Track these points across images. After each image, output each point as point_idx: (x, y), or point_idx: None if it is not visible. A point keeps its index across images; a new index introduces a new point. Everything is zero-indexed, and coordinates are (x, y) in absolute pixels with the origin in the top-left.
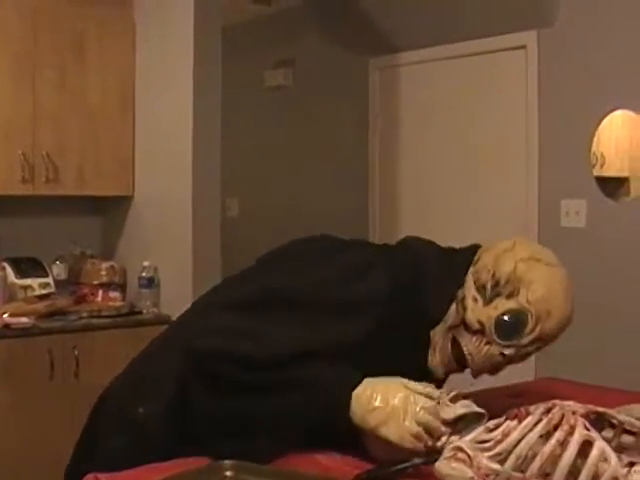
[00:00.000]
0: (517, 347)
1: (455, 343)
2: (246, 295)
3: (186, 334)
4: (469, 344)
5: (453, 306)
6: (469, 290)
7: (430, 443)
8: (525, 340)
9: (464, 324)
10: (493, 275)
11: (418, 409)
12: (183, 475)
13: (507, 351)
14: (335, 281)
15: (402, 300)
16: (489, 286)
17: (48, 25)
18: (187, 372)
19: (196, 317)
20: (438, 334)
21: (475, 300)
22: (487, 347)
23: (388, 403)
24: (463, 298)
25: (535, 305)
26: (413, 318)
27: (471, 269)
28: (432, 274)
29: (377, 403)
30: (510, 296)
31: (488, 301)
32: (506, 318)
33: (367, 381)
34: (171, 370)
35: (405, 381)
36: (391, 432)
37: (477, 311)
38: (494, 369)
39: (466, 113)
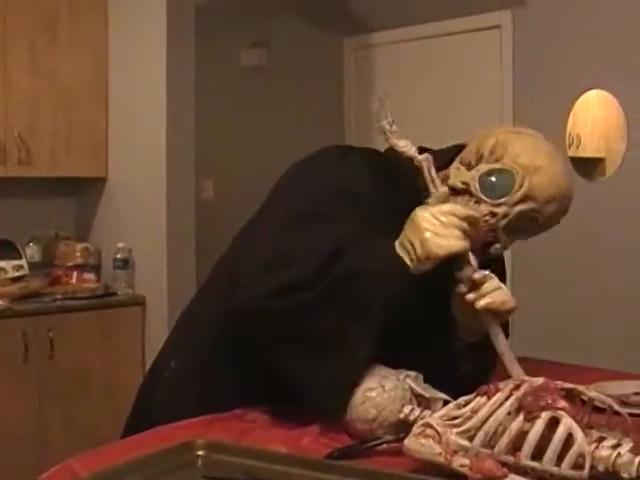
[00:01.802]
0: (507, 206)
1: None
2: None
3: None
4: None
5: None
6: (453, 166)
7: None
8: (514, 197)
9: (451, 190)
10: (477, 152)
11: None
12: (153, 455)
13: (497, 209)
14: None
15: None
16: (474, 160)
17: (18, 4)
18: (229, 324)
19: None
20: None
21: (458, 169)
22: (476, 206)
23: (422, 227)
24: (447, 176)
25: (520, 163)
26: (402, 195)
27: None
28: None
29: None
30: (494, 162)
31: (471, 168)
32: (490, 175)
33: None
34: (206, 323)
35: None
36: (435, 239)
37: (460, 175)
38: (490, 238)
39: (441, 93)
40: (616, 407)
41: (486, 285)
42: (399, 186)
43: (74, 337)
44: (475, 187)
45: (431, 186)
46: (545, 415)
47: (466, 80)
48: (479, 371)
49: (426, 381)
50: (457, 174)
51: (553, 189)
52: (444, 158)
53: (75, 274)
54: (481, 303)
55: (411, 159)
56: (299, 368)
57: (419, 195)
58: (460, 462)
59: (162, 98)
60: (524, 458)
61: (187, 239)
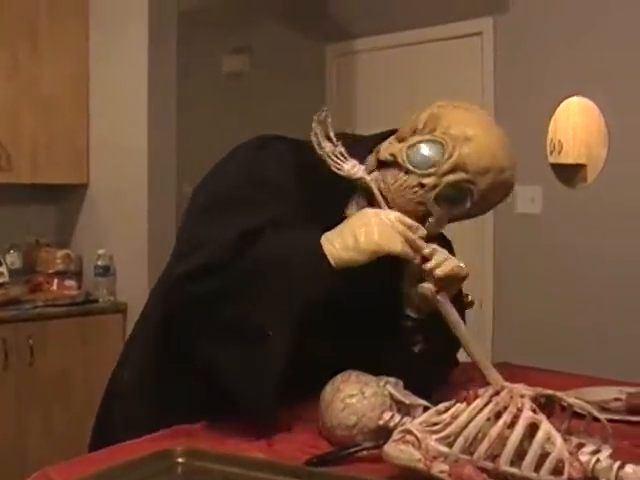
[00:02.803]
0: (436, 176)
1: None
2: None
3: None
4: (386, 177)
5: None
6: (387, 141)
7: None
8: (443, 168)
9: (380, 164)
10: (412, 126)
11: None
12: (132, 462)
13: (425, 180)
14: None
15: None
16: (408, 135)
17: None
18: (164, 324)
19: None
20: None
21: (390, 143)
22: (405, 177)
23: (370, 221)
24: (378, 151)
25: (450, 134)
26: (330, 193)
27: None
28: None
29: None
30: (427, 134)
31: (403, 141)
32: (418, 145)
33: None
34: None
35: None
36: (381, 234)
37: (390, 148)
38: (423, 214)
39: (422, 100)
40: (595, 413)
41: (436, 257)
42: (317, 181)
43: (54, 344)
44: (402, 158)
45: (382, 205)
46: (524, 420)
47: (447, 87)
48: (438, 354)
49: (384, 367)
50: (388, 147)
51: (486, 160)
52: (378, 140)
53: (56, 281)
54: (439, 270)
55: (359, 181)
56: (218, 359)
57: (335, 191)
58: (439, 468)
59: (144, 104)
60: (503, 464)
61: (168, 246)
